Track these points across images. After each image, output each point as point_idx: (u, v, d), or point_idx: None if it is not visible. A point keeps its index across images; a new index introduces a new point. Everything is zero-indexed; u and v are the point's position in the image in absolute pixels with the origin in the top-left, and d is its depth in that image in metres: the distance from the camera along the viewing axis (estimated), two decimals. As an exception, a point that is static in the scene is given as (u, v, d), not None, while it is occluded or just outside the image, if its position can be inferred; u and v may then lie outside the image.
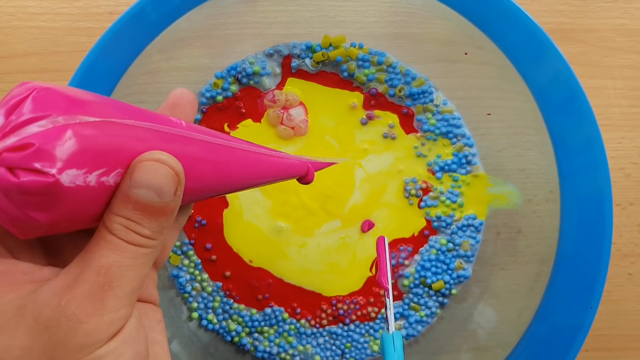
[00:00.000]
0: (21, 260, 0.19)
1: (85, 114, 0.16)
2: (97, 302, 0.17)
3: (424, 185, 0.36)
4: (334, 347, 0.36)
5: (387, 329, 0.27)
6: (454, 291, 0.36)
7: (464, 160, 0.36)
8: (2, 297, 0.17)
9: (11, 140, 0.15)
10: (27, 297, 0.17)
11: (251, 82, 0.36)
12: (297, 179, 0.27)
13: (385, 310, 0.28)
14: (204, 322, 0.36)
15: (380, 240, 0.30)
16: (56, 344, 0.16)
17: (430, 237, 0.37)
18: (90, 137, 0.16)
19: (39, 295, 0.17)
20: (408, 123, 0.37)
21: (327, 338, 0.36)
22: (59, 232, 0.17)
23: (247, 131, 0.37)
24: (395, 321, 0.36)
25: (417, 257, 0.37)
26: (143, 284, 0.19)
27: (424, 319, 0.36)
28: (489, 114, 0.36)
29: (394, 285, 0.37)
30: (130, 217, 0.17)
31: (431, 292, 0.36)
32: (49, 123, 0.15)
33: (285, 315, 0.36)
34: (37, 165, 0.15)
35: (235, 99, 0.37)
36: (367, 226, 0.36)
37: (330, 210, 0.36)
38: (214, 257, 0.36)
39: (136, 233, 0.18)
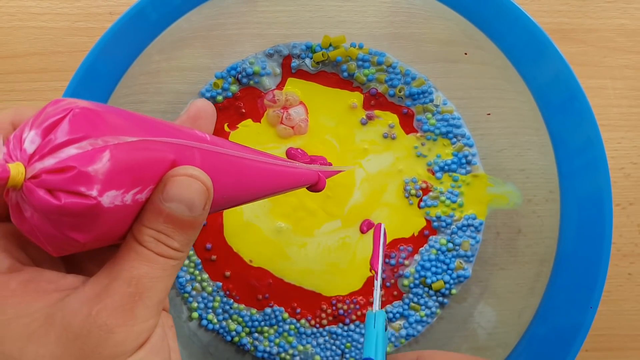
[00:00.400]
0: (44, 268, 0.19)
1: (121, 134, 0.16)
2: (127, 313, 0.17)
3: (423, 185, 0.37)
4: (334, 347, 0.36)
5: (373, 309, 0.29)
6: (454, 291, 0.36)
7: (463, 160, 0.36)
8: (29, 306, 0.17)
9: (50, 162, 0.15)
10: (55, 306, 0.17)
11: (251, 82, 0.36)
12: (308, 188, 0.28)
13: (374, 290, 0.29)
14: (204, 322, 0.36)
15: (377, 227, 0.32)
16: (87, 354, 0.17)
17: (430, 237, 0.37)
18: (128, 157, 0.16)
19: (68, 304, 0.17)
20: (408, 123, 0.37)
21: (327, 338, 0.36)
22: (89, 249, 0.18)
23: (247, 131, 0.37)
24: (395, 321, 0.36)
25: (417, 257, 0.37)
26: (168, 294, 0.19)
27: (424, 319, 0.36)
28: (489, 114, 0.36)
29: (394, 285, 0.37)
30: (161, 230, 0.18)
31: (431, 292, 0.36)
32: (87, 145, 0.15)
33: (285, 315, 0.36)
34: (79, 188, 0.15)
35: (235, 99, 0.37)
36: (367, 226, 0.37)
37: (330, 210, 0.37)
38: (214, 257, 0.36)
39: (166, 245, 0.18)
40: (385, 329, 0.27)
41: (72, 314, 0.17)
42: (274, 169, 0.23)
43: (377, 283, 0.30)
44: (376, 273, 0.30)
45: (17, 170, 0.15)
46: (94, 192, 0.15)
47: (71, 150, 0.15)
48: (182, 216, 0.18)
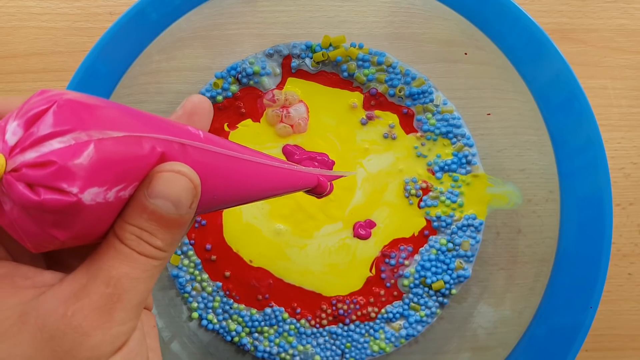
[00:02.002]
0: (21, 262, 0.18)
1: (107, 128, 0.15)
2: (104, 315, 0.16)
3: (424, 185, 0.37)
4: (334, 347, 0.36)
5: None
6: (454, 291, 0.36)
7: (464, 160, 0.36)
8: (2, 302, 0.17)
9: (31, 156, 0.15)
10: (30, 304, 0.17)
11: (251, 82, 0.36)
12: (313, 194, 0.27)
13: None
14: (204, 322, 0.36)
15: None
16: (60, 356, 0.16)
17: (430, 237, 0.37)
18: (113, 153, 0.15)
19: (43, 302, 0.16)
20: (408, 123, 0.37)
21: (327, 338, 0.36)
22: (69, 247, 0.17)
23: (247, 131, 0.37)
24: (395, 321, 0.36)
25: (417, 257, 0.37)
26: (149, 296, 0.18)
27: (424, 319, 0.36)
28: (489, 114, 0.36)
29: (394, 285, 0.37)
30: (144, 227, 0.17)
31: (431, 292, 0.36)
32: (71, 139, 0.15)
33: (285, 315, 0.36)
34: (59, 184, 0.15)
35: (235, 99, 0.37)
36: (367, 226, 0.37)
37: (331, 214, 0.37)
38: (214, 257, 0.36)
39: (148, 244, 0.17)
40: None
41: (47, 313, 0.16)
42: (270, 169, 0.22)
43: None
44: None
45: None
46: (75, 189, 0.15)
47: (54, 144, 0.15)
48: (167, 214, 0.17)
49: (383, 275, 0.36)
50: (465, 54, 0.36)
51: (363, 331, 0.36)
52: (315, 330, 0.36)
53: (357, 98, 0.37)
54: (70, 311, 0.16)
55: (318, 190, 0.27)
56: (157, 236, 0.17)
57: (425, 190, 0.37)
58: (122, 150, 0.16)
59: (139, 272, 0.17)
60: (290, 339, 0.36)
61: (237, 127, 0.37)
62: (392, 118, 0.37)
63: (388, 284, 0.36)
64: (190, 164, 0.18)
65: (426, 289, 0.36)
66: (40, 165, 0.15)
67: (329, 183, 0.28)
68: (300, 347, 0.36)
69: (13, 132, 0.15)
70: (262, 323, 0.36)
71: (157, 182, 0.17)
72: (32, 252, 0.19)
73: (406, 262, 0.36)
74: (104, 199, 0.16)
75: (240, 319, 0.36)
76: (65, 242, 0.16)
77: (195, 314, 0.36)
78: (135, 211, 0.17)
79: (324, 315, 0.36)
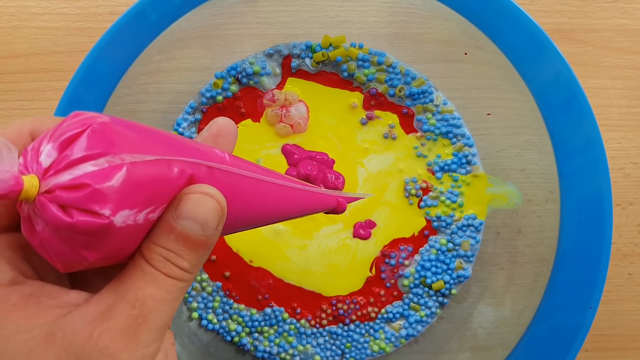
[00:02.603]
0: (47, 281, 0.18)
1: (139, 152, 0.16)
2: (130, 337, 0.17)
3: (424, 185, 0.37)
4: (334, 347, 0.36)
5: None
6: (454, 291, 0.36)
7: (464, 160, 0.36)
8: (29, 322, 0.17)
9: (65, 178, 0.15)
10: (56, 324, 0.17)
11: (251, 82, 0.36)
12: (331, 213, 0.27)
13: None
14: (204, 322, 0.36)
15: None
16: None
17: (430, 237, 0.37)
18: (144, 176, 0.16)
19: (69, 322, 0.17)
20: (408, 123, 0.37)
21: (327, 338, 0.36)
22: (97, 267, 0.17)
23: (247, 131, 0.37)
24: (395, 321, 0.36)
25: (417, 257, 0.37)
26: (173, 317, 0.19)
27: (424, 319, 0.36)
28: (489, 114, 0.36)
29: (394, 285, 0.37)
30: (171, 248, 0.17)
31: (431, 292, 0.36)
32: (104, 162, 0.15)
33: (285, 315, 0.36)
34: (92, 206, 0.15)
35: (235, 99, 0.37)
36: (367, 226, 0.37)
37: (331, 216, 0.36)
38: (214, 257, 0.36)
39: (175, 265, 0.17)
40: None
41: (73, 334, 0.16)
42: (292, 192, 0.23)
43: None
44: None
45: (30, 184, 0.15)
46: (107, 212, 0.15)
47: (87, 167, 0.15)
48: (194, 235, 0.17)
49: (383, 275, 0.36)
50: (465, 54, 0.36)
51: (363, 331, 0.36)
52: (315, 330, 0.36)
53: (357, 98, 0.37)
54: (96, 332, 0.16)
55: (338, 211, 0.27)
56: (184, 257, 0.17)
57: (425, 190, 0.37)
58: (153, 173, 0.16)
59: (164, 293, 0.17)
60: (290, 339, 0.36)
61: (237, 127, 0.37)
62: (392, 118, 0.37)
63: (388, 284, 0.36)
64: (217, 186, 0.18)
65: (426, 289, 0.36)
66: (73, 188, 0.15)
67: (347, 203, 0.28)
68: (300, 347, 0.36)
69: (47, 154, 0.15)
70: (262, 323, 0.36)
71: (185, 203, 0.17)
72: (57, 271, 0.19)
73: (406, 262, 0.36)
74: (134, 221, 0.16)
75: (240, 319, 0.36)
76: (94, 263, 0.16)
77: (195, 314, 0.36)
78: (163, 232, 0.17)
79: (324, 315, 0.36)
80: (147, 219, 0.16)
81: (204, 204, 0.17)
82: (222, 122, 0.22)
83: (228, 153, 0.20)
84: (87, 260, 0.16)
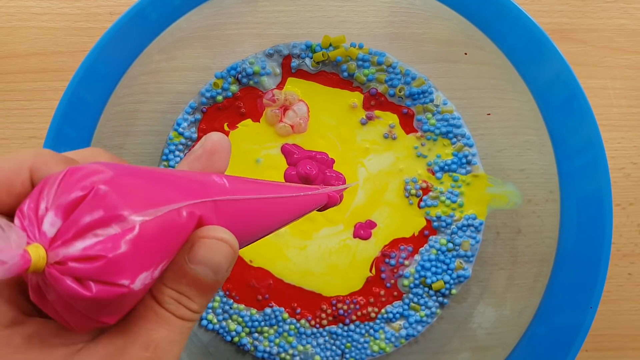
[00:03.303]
0: (47, 318, 0.18)
1: (148, 205, 0.15)
2: None
3: (424, 185, 0.37)
4: (334, 347, 0.36)
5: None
6: (454, 291, 0.36)
7: (464, 160, 0.36)
8: None
9: (77, 248, 0.14)
10: None
11: (251, 82, 0.36)
12: (325, 209, 0.27)
13: None
14: (204, 322, 0.36)
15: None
16: None
17: (430, 237, 0.37)
18: (157, 233, 0.15)
19: None
20: (408, 123, 0.37)
21: (327, 338, 0.36)
22: None
23: (247, 131, 0.37)
24: (395, 321, 0.36)
25: (417, 257, 0.37)
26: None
27: (424, 319, 0.36)
28: (489, 114, 0.36)
29: (394, 285, 0.37)
30: (183, 292, 0.17)
31: (431, 292, 0.36)
32: (115, 227, 0.14)
33: (285, 315, 0.36)
34: (110, 278, 0.14)
35: (235, 99, 0.37)
36: (367, 226, 0.37)
37: (331, 217, 0.37)
38: (214, 257, 0.36)
39: (186, 307, 0.17)
40: None
41: None
42: (288, 202, 0.23)
43: None
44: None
45: (38, 256, 0.14)
46: (127, 281, 0.14)
47: (98, 234, 0.14)
48: (206, 279, 0.17)
49: (383, 276, 0.36)
50: (465, 54, 0.36)
51: (363, 331, 0.36)
52: (315, 330, 0.36)
53: (357, 98, 0.37)
54: None
55: (330, 205, 0.27)
56: (194, 300, 0.17)
57: (425, 190, 0.37)
58: (165, 226, 0.15)
59: (176, 334, 0.17)
60: (290, 339, 0.36)
61: (237, 127, 0.37)
62: (392, 118, 0.37)
63: (388, 284, 0.36)
64: (223, 219, 0.18)
65: (426, 289, 0.36)
66: (87, 259, 0.14)
67: (339, 195, 0.28)
68: (300, 347, 0.36)
69: (51, 222, 0.14)
70: (262, 323, 0.36)
71: (199, 249, 0.17)
72: None
73: (406, 262, 0.36)
74: (151, 279, 0.16)
75: (240, 319, 0.36)
76: (113, 324, 0.16)
77: (195, 314, 0.36)
78: (176, 276, 0.17)
79: (324, 315, 0.36)
80: (162, 271, 0.16)
81: (218, 250, 0.17)
82: (215, 138, 0.21)
83: (225, 176, 0.20)
84: (107, 324, 0.16)
